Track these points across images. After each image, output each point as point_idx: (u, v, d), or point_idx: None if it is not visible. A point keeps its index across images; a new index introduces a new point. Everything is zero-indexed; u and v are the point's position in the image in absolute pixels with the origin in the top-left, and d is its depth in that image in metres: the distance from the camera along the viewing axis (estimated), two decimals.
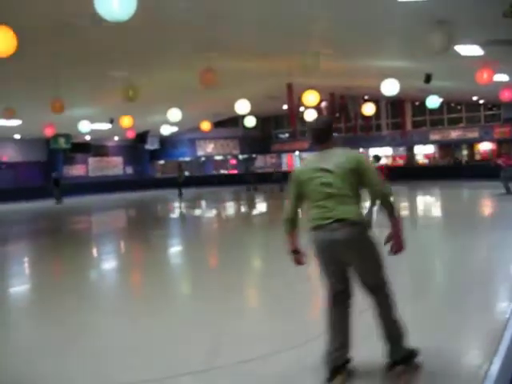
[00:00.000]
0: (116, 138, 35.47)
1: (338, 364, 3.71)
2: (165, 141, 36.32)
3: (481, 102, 30.50)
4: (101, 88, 17.62)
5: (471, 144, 33.99)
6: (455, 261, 8.16)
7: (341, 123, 32.98)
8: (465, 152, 34.96)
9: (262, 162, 40.93)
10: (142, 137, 33.28)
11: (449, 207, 16.22)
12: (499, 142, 32.29)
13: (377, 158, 13.28)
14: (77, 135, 29.31)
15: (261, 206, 21.85)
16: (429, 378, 3.82)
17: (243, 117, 22.95)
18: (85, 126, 21.99)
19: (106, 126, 25.97)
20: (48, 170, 31.81)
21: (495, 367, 3.77)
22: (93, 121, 23.09)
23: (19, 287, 8.08)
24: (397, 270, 7.52)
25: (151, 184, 35.86)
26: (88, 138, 31.90)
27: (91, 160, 35.47)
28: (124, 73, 12.99)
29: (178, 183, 27.45)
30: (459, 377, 3.86)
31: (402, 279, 7.00)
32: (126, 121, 19.42)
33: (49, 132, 22.53)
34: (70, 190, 29.62)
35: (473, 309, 5.51)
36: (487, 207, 16.30)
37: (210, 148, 38.52)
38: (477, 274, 7.10)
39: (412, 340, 4.59)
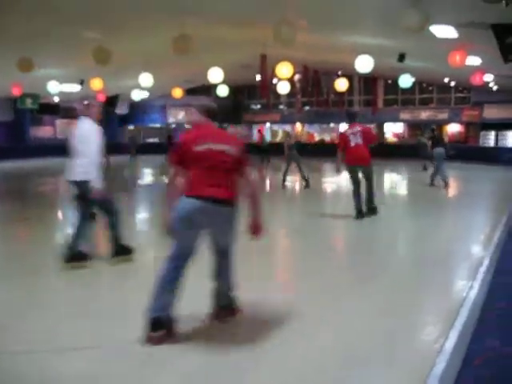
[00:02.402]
0: (85, 102, 34.78)
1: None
2: (135, 106, 35.81)
3: (452, 84, 30.78)
4: (72, 48, 17.22)
5: (440, 125, 34.40)
6: (418, 239, 8.35)
7: (313, 97, 32.95)
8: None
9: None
10: (112, 101, 32.71)
11: (415, 186, 16.46)
12: (467, 125, 32.77)
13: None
14: (45, 96, 28.70)
15: None
16: (386, 350, 3.93)
17: (215, 86, 22.72)
18: (54, 87, 21.53)
19: (76, 88, 25.45)
20: (14, 131, 31.16)
21: (451, 342, 3.89)
22: (62, 82, 22.59)
23: None
24: (361, 249, 7.69)
25: (120, 148, 35.37)
26: (56, 99, 31.26)
27: (59, 122, 34.79)
28: (96, 34, 12.72)
29: (261, 149, 25.28)
30: (416, 350, 3.99)
31: (365, 256, 7.16)
32: (97, 83, 19.07)
33: (16, 91, 21.98)
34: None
35: (432, 286, 5.67)
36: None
37: (180, 115, 38.14)
38: (438, 252, 7.28)
39: (373, 314, 4.71)
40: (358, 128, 9.58)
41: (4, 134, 30.69)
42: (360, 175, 9.70)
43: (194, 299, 4.58)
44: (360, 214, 9.51)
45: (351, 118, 9.93)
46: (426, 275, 6.02)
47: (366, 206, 9.70)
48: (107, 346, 4.04)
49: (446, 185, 14.51)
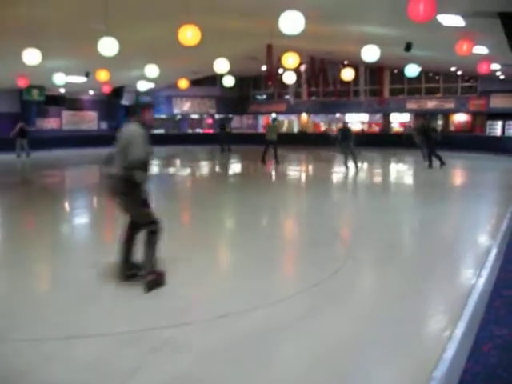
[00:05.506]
0: (91, 92, 34.83)
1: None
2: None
3: (458, 73, 30.60)
4: (77, 40, 17.22)
5: (447, 114, 34.26)
6: (425, 228, 8.36)
7: (319, 87, 32.86)
8: (440, 122, 35.27)
9: (238, 123, 40.72)
10: (117, 92, 32.69)
11: (420, 175, 16.45)
12: (474, 114, 32.62)
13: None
14: (51, 88, 28.72)
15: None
16: (396, 337, 3.96)
17: (221, 76, 22.69)
18: (60, 79, 21.53)
19: (82, 79, 25.48)
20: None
21: (460, 329, 3.92)
22: (68, 73, 22.59)
23: None
24: (368, 236, 7.70)
25: None
26: (62, 90, 31.27)
27: (65, 113, 34.81)
28: (102, 25, 12.69)
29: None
30: (424, 339, 4.02)
31: (373, 245, 7.17)
32: (103, 75, 19.05)
33: (22, 83, 21.98)
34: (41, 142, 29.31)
35: (440, 275, 5.70)
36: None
37: (186, 106, 38.12)
38: (446, 241, 7.30)
39: (383, 302, 4.74)
40: None
41: (11, 126, 30.74)
42: None
43: None
44: None
45: None
46: (435, 264, 6.04)
47: None
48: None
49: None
